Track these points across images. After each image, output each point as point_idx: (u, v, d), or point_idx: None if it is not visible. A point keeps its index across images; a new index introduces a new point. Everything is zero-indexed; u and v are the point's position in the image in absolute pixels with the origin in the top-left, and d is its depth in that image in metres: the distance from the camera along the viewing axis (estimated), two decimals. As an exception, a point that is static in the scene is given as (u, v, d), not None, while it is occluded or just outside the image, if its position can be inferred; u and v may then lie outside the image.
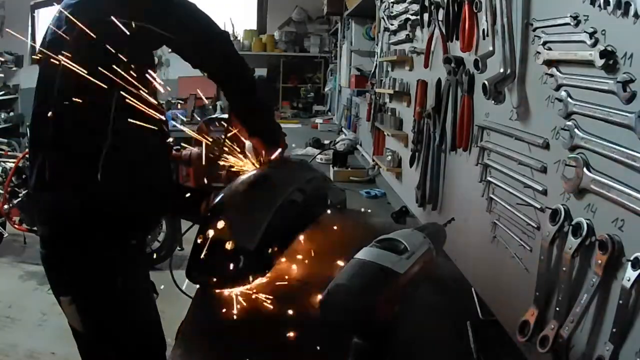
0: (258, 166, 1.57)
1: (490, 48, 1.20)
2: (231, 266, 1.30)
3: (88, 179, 1.26)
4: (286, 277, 1.38)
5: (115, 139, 1.27)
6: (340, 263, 0.93)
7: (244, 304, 1.25)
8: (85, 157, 1.28)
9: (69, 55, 1.24)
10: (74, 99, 1.23)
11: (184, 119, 6.20)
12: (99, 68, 1.21)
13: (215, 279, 1.29)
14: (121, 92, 1.25)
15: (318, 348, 1.03)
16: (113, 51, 1.20)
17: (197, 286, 1.31)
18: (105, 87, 1.22)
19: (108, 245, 1.34)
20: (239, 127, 1.48)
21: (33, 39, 6.36)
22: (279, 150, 1.55)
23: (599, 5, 0.83)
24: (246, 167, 1.56)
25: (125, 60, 1.23)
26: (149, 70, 1.33)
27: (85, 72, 1.21)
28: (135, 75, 1.26)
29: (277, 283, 1.35)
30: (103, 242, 1.33)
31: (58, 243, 1.37)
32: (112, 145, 1.27)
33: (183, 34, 1.28)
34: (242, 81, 1.44)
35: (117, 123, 1.27)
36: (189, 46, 1.32)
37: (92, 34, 1.22)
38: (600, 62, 0.83)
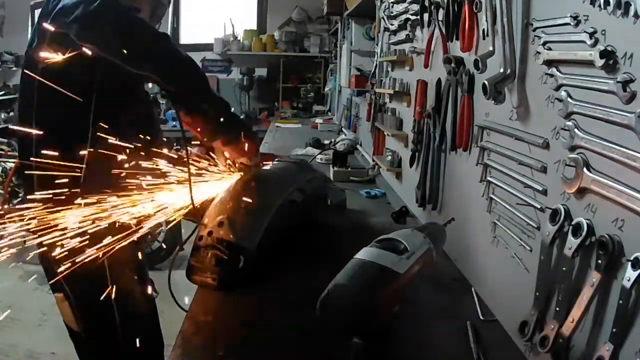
0: (230, 170, 1.51)
1: (490, 48, 1.20)
2: (231, 267, 1.30)
3: (73, 180, 1.27)
4: (286, 276, 1.38)
5: (96, 141, 1.28)
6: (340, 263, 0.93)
7: (244, 304, 1.25)
8: (69, 160, 1.28)
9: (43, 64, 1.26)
10: (52, 111, 1.25)
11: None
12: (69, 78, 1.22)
13: (215, 280, 1.29)
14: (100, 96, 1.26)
15: (318, 348, 1.03)
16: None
17: (193, 293, 1.31)
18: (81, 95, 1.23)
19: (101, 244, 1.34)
20: (194, 132, 1.38)
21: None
22: (250, 152, 1.47)
23: (599, 5, 0.83)
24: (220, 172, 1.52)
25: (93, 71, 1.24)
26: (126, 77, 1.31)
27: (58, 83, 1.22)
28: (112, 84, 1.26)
29: (277, 283, 1.35)
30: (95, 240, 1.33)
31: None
32: (94, 147, 1.28)
33: (110, 47, 1.23)
34: (187, 82, 1.33)
35: (97, 127, 1.28)
36: (120, 56, 1.24)
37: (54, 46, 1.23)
38: (600, 62, 0.83)
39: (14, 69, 6.64)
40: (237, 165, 1.50)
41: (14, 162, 3.78)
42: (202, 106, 1.33)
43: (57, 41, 1.24)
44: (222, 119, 1.35)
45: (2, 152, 4.10)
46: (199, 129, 1.35)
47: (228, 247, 1.30)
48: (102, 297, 1.37)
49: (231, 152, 1.44)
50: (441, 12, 1.63)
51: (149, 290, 1.57)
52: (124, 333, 1.42)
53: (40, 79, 1.29)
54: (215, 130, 1.36)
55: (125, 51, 1.23)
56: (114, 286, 1.39)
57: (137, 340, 1.45)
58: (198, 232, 1.36)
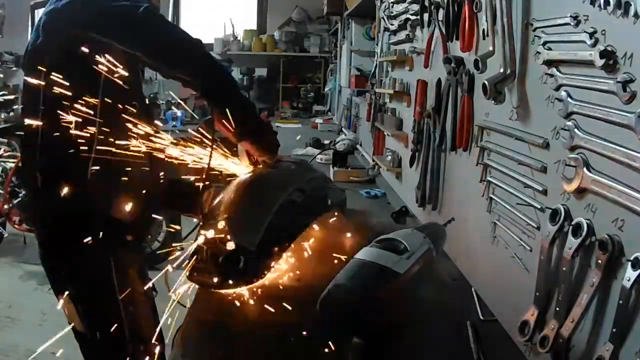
0: (252, 168, 1.55)
1: (490, 48, 1.20)
2: (231, 267, 1.30)
3: (78, 183, 1.27)
4: (286, 277, 1.38)
5: (102, 143, 1.28)
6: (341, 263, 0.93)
7: (244, 304, 1.25)
8: (74, 163, 1.28)
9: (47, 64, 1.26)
10: (58, 110, 1.25)
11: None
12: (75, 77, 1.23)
13: (215, 280, 1.29)
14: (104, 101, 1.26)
15: (318, 348, 1.03)
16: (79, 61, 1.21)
17: (193, 292, 1.31)
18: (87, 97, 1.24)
19: (104, 245, 1.34)
20: (225, 131, 1.44)
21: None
22: (272, 150, 1.52)
23: (599, 5, 0.83)
24: (240, 169, 1.54)
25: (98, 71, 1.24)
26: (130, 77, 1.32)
27: (64, 80, 1.22)
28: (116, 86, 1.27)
29: (277, 283, 1.35)
30: (98, 241, 1.33)
31: (54, 244, 1.38)
32: (99, 149, 1.28)
33: (141, 46, 1.25)
34: (222, 85, 1.39)
35: (102, 129, 1.28)
36: (150, 56, 1.27)
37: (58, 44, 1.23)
38: (600, 62, 0.83)
39: (14, 69, 6.64)
40: (260, 162, 1.53)
41: (14, 162, 3.77)
42: (233, 107, 1.38)
43: (68, 40, 1.24)
44: (250, 119, 1.40)
45: (2, 152, 4.10)
46: (229, 128, 1.39)
47: (228, 247, 1.30)
48: (108, 297, 1.37)
49: (255, 150, 1.49)
50: (441, 12, 1.63)
51: (149, 289, 1.57)
52: (130, 333, 1.42)
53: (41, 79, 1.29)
54: (244, 129, 1.41)
55: (170, 56, 1.27)
56: (120, 285, 1.39)
57: (142, 339, 1.45)
58: (198, 232, 1.36)
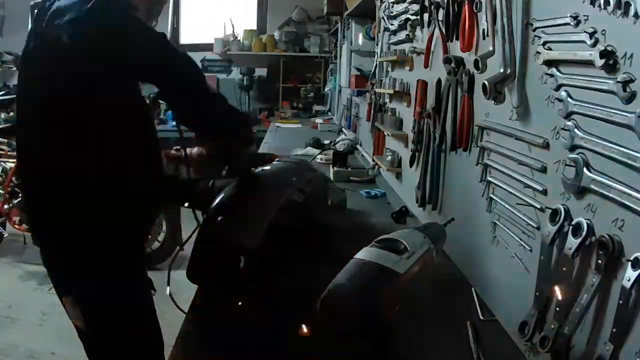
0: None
1: (490, 48, 1.20)
2: (232, 267, 1.30)
3: (78, 184, 1.27)
4: (286, 277, 1.38)
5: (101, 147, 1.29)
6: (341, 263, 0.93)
7: (244, 304, 1.25)
8: (74, 170, 1.29)
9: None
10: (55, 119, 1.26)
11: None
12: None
13: (215, 280, 1.29)
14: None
15: (318, 348, 1.03)
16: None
17: (193, 293, 1.32)
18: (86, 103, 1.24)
19: (105, 247, 1.34)
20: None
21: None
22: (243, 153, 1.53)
23: (599, 5, 0.83)
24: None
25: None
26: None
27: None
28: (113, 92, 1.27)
29: (277, 283, 1.35)
30: (100, 242, 1.33)
31: (56, 245, 1.38)
32: (99, 150, 1.28)
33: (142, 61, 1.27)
34: (190, 86, 1.37)
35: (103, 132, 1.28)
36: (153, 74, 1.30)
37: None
38: (600, 62, 0.83)
39: (14, 69, 6.64)
40: (232, 169, 1.53)
41: (14, 162, 3.77)
42: (200, 108, 1.38)
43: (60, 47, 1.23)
44: (220, 122, 1.41)
45: (2, 152, 4.09)
46: (197, 132, 1.40)
47: (228, 248, 1.30)
48: (112, 298, 1.37)
49: (224, 154, 1.49)
50: (441, 12, 1.63)
51: (149, 290, 1.57)
52: (133, 332, 1.42)
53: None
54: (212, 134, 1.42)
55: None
56: (123, 285, 1.39)
57: (143, 339, 1.45)
58: (199, 232, 1.36)
